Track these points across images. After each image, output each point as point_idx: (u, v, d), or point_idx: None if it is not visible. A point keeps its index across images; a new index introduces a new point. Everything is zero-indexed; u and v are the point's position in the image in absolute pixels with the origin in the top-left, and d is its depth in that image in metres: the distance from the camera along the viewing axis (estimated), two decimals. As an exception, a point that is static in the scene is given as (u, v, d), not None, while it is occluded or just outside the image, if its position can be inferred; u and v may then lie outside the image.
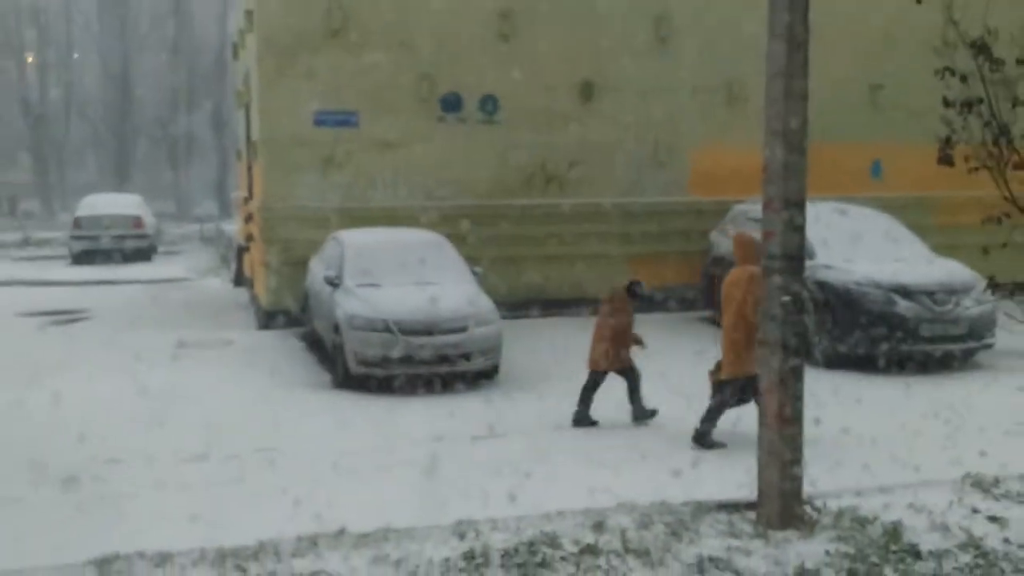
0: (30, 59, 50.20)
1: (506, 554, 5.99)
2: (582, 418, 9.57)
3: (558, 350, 12.53)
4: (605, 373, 9.61)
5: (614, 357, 9.56)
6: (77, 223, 26.50)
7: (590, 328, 9.83)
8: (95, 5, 50.52)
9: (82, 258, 25.61)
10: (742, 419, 8.44)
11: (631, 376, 9.60)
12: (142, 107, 48.68)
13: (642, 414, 9.56)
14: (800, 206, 6.40)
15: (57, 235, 30.84)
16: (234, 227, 21.83)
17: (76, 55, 51.69)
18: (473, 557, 5.96)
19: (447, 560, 5.92)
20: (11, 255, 28.63)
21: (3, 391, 10.78)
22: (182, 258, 26.11)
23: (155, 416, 9.73)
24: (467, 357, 11.10)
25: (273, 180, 14.98)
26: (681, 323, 14.61)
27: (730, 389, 8.63)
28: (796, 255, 6.42)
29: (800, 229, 6.42)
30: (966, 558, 5.94)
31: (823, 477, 7.08)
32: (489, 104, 15.47)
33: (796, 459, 6.42)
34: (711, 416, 8.71)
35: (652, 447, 8.74)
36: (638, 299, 9.82)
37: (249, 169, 17.09)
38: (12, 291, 19.91)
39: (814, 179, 6.54)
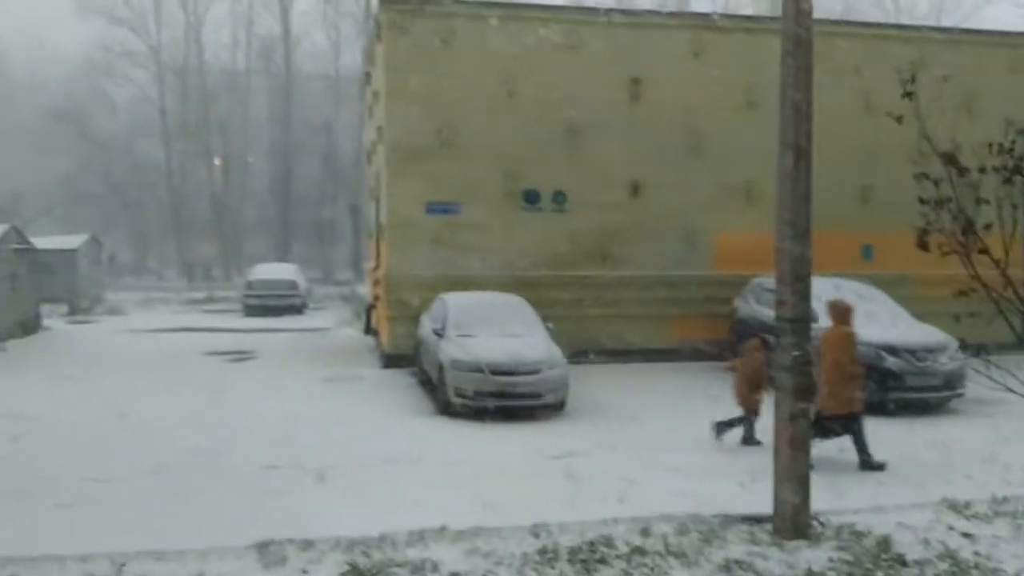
0: (217, 162, 51.94)
1: (572, 551, 5.88)
2: (749, 438, 9.36)
3: (612, 389, 12.41)
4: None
5: (748, 396, 9.36)
6: (249, 285, 27.03)
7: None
8: (266, 120, 52.16)
9: (252, 312, 26.03)
10: (845, 449, 8.37)
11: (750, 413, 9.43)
12: (299, 197, 49.89)
13: (752, 439, 9.35)
14: (806, 280, 6.27)
15: (233, 294, 31.55)
16: (365, 289, 22.10)
17: (251, 159, 53.27)
18: (545, 552, 5.86)
19: (525, 554, 5.83)
20: (199, 308, 29.43)
21: (195, 407, 11.04)
22: (326, 313, 26.47)
23: (304, 430, 9.85)
24: (541, 393, 11.01)
25: (395, 253, 15.17)
26: (711, 371, 14.33)
27: (836, 425, 8.34)
28: (803, 319, 6.28)
29: (806, 298, 6.28)
30: (944, 566, 5.67)
31: (827, 496, 6.84)
32: (560, 197, 15.51)
33: (805, 481, 6.20)
34: (859, 447, 8.39)
35: (721, 461, 8.60)
36: (768, 350, 9.54)
37: (377, 245, 17.33)
38: (201, 335, 20.40)
39: (817, 259, 6.40)
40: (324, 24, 50.83)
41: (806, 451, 6.25)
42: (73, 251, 26.24)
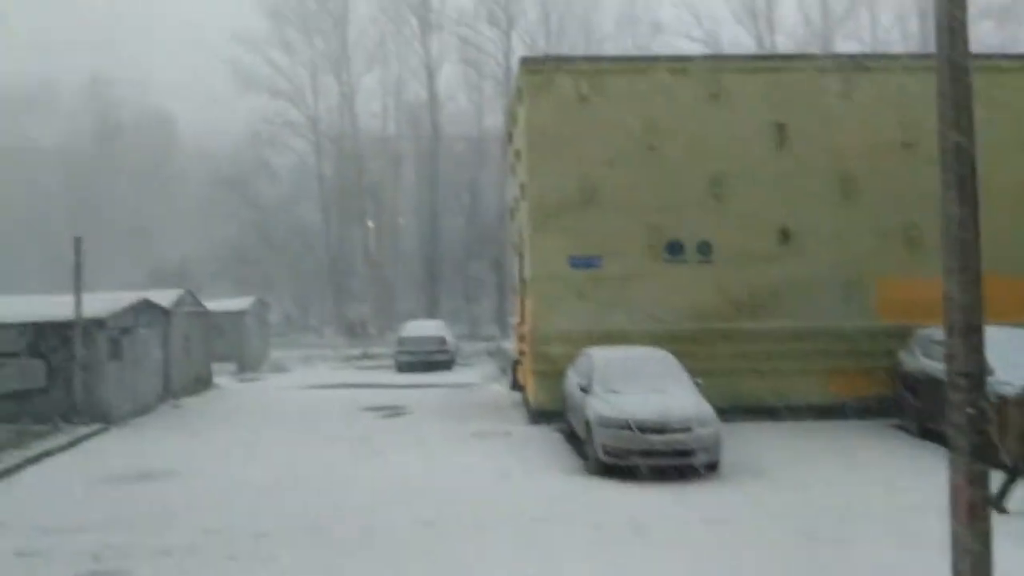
0: (370, 224, 54.38)
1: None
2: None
3: (768, 449, 11.91)
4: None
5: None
6: (400, 342, 27.80)
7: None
8: (415, 182, 54.30)
9: (404, 368, 26.73)
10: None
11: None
12: (446, 255, 51.32)
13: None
14: (978, 331, 5.83)
15: (387, 350, 32.57)
16: (511, 345, 22.34)
17: (402, 220, 55.45)
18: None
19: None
20: (355, 365, 30.61)
21: (352, 462, 11.43)
22: (473, 368, 26.88)
23: (455, 486, 9.99)
24: (692, 452, 10.67)
25: (539, 308, 15.28)
26: (876, 430, 13.53)
27: None
28: (977, 373, 5.82)
29: (980, 350, 5.83)
30: None
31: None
32: (704, 248, 15.23)
33: (986, 552, 5.68)
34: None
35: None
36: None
37: (522, 300, 17.53)
38: (357, 391, 21.16)
39: (988, 307, 5.95)
40: (467, 87, 52.76)
41: (986, 517, 5.73)
42: (242, 312, 28.02)
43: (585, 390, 11.91)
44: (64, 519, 8.88)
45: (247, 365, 27.62)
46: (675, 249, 15.23)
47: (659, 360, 12.53)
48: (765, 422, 13.93)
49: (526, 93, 15.70)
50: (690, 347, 13.84)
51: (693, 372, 12.26)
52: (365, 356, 33.34)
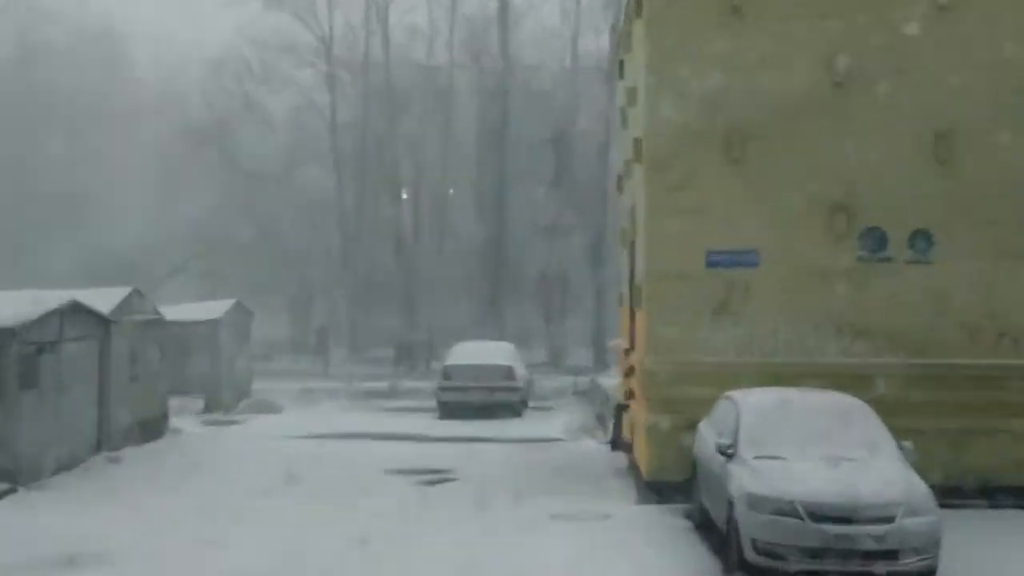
0: (404, 195, 54.17)
1: None
2: None
3: (1018, 551, 11.53)
4: None
5: None
6: (446, 373, 27.78)
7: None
8: (473, 135, 54.23)
9: (449, 411, 26.75)
10: None
11: None
12: (518, 245, 50.93)
13: None
14: None
15: (425, 385, 32.23)
16: (612, 381, 22.17)
17: (451, 190, 55.31)
18: None
19: None
20: (377, 405, 30.58)
21: (370, 559, 11.39)
22: (554, 415, 26.72)
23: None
24: (895, 555, 10.35)
25: (658, 328, 15.10)
26: None
27: None
28: None
29: None
30: None
31: None
32: (921, 241, 14.87)
33: None
34: None
35: None
36: None
37: (631, 315, 17.35)
38: (379, 445, 21.25)
39: None
40: (557, -4, 52.42)
41: None
42: (214, 323, 28.40)
43: (727, 454, 11.74)
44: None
45: (219, 401, 28.00)
46: (875, 241, 14.95)
47: (845, 413, 12.30)
48: (1008, 510, 13.63)
49: (648, 2, 15.53)
50: (893, 392, 13.61)
51: (898, 432, 11.92)
52: (393, 393, 33.53)
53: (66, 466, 17.17)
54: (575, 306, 48.70)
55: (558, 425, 24.14)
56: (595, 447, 20.40)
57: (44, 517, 13.91)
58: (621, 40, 19.98)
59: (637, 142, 16.33)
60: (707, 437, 12.99)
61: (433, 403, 28.01)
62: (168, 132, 55.06)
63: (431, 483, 16.80)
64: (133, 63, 62.02)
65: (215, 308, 29.77)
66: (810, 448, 11.46)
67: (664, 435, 14.69)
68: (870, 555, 10.35)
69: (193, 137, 51.89)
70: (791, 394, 12.94)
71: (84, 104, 57.25)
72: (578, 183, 49.47)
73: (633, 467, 16.64)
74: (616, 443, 18.99)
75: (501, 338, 36.37)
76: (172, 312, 24.77)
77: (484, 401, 26.60)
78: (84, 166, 54.90)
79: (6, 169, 50.38)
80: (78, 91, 57.66)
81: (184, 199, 53.46)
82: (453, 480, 17.02)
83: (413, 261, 51.97)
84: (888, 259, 14.88)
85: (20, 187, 48.13)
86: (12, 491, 15.22)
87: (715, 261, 15.01)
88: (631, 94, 17.45)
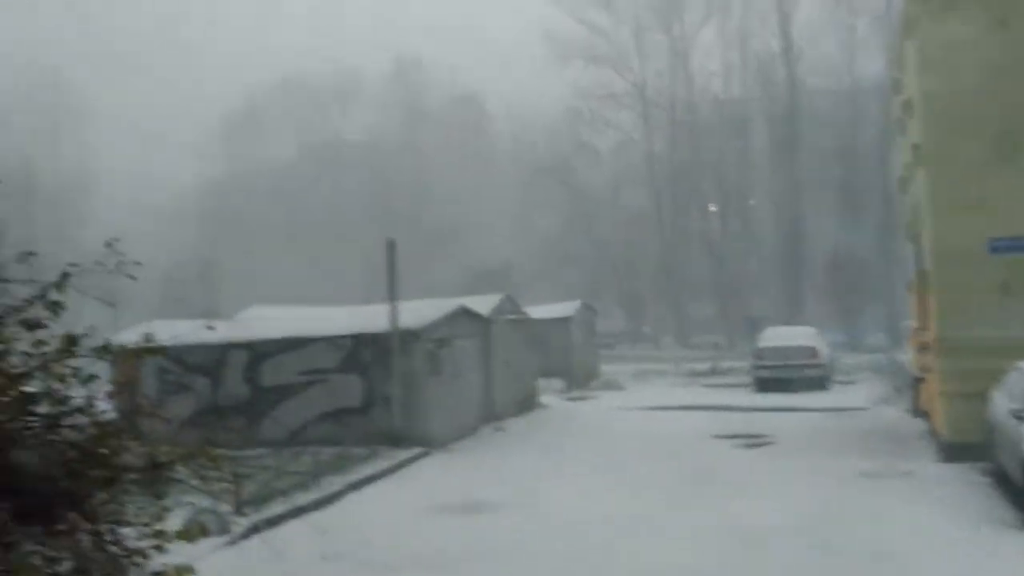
0: (712, 207, 53.98)
1: None
2: None
3: None
4: None
5: None
6: (758, 354, 27.30)
7: None
8: (767, 152, 53.06)
9: (763, 386, 26.29)
10: None
11: None
12: (812, 243, 49.51)
13: None
14: None
15: (739, 364, 32.19)
16: (906, 357, 20.96)
17: (752, 200, 54.37)
18: None
19: None
20: (701, 382, 30.60)
21: (711, 502, 11.36)
22: (855, 388, 25.61)
23: (844, 542, 9.50)
24: None
25: (948, 309, 14.14)
26: None
27: None
28: None
29: None
30: None
31: None
32: None
33: None
34: None
35: None
36: None
37: (921, 299, 16.35)
38: (705, 414, 21.11)
39: None
40: (833, 28, 50.49)
41: None
42: (567, 320, 29.17)
43: (1020, 417, 10.77)
44: (390, 554, 9.72)
45: (575, 381, 28.69)
46: None
47: None
48: None
49: (919, 22, 14.77)
50: None
51: None
52: (713, 372, 33.21)
53: (463, 434, 18.05)
54: (867, 294, 46.48)
55: (860, 396, 23.06)
56: (895, 415, 19.33)
57: (451, 473, 14.73)
58: (895, 60, 18.90)
59: (916, 147, 15.41)
60: (1000, 403, 12.03)
61: (749, 379, 27.59)
62: (521, 170, 57.15)
63: (752, 445, 16.53)
64: (492, 117, 64.74)
65: (567, 308, 30.54)
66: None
67: (958, 402, 13.74)
68: None
69: (541, 172, 53.56)
70: (1078, 362, 11.79)
71: (458, 153, 60.26)
72: (862, 187, 47.43)
73: (931, 432, 15.66)
74: (915, 411, 17.95)
75: (803, 323, 35.37)
76: (534, 312, 25.59)
77: (793, 377, 25.91)
78: (459, 201, 57.86)
79: (405, 208, 53.82)
80: (453, 143, 60.74)
81: (536, 222, 55.31)
82: (771, 443, 16.65)
83: (723, 261, 51.54)
84: None
85: (412, 220, 51.18)
86: (426, 454, 16.17)
87: (997, 247, 13.90)
88: (907, 106, 16.49)
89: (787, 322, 37.97)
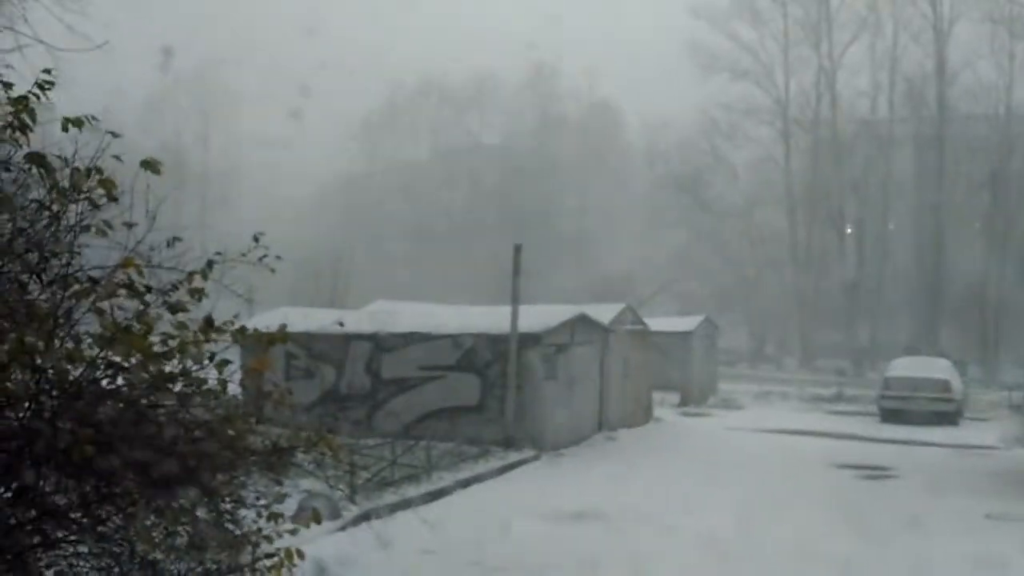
0: (849, 230, 52.64)
1: None
2: None
3: None
4: None
5: None
6: (887, 383, 26.47)
7: None
8: (911, 176, 51.39)
9: (890, 416, 25.43)
10: None
11: None
12: (953, 274, 47.70)
13: None
14: None
15: (867, 393, 31.25)
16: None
17: (891, 225, 52.76)
18: None
19: None
20: (824, 408, 29.81)
21: (826, 532, 11.10)
22: (988, 425, 24.57)
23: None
24: None
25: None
26: None
27: None
28: None
29: None
30: None
31: None
32: None
33: None
34: None
35: None
36: None
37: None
38: (826, 441, 20.61)
39: None
40: (991, 51, 48.50)
41: None
42: (688, 334, 28.86)
43: None
44: (489, 555, 9.80)
45: (691, 397, 28.36)
46: None
47: None
48: None
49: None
50: None
51: None
52: (839, 398, 32.37)
53: (575, 441, 18.08)
54: (1008, 328, 44.50)
55: (993, 435, 22.10)
56: (1030, 457, 18.52)
57: (561, 479, 14.79)
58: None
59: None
60: None
61: (874, 409, 26.79)
62: (652, 182, 56.84)
63: (873, 477, 16.06)
64: (625, 128, 64.56)
65: (688, 322, 30.22)
66: None
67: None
68: None
69: (672, 185, 53.15)
70: None
71: (589, 161, 60.33)
72: (1009, 217, 45.51)
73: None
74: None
75: (935, 354, 34.15)
76: (655, 324, 25.40)
77: (922, 410, 25.02)
78: (588, 210, 57.93)
79: (534, 213, 54.18)
80: (585, 151, 60.85)
81: (664, 235, 54.90)
82: (894, 476, 16.15)
83: (856, 285, 50.23)
84: None
85: (540, 225, 51.45)
86: (536, 457, 16.27)
87: None
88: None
89: (924, 352, 36.68)
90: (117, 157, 3.99)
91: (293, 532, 4.68)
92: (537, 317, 17.68)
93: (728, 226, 53.49)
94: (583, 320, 19.19)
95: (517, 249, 17.88)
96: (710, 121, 53.81)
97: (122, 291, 4.04)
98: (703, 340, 30.44)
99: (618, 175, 62.05)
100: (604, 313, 20.79)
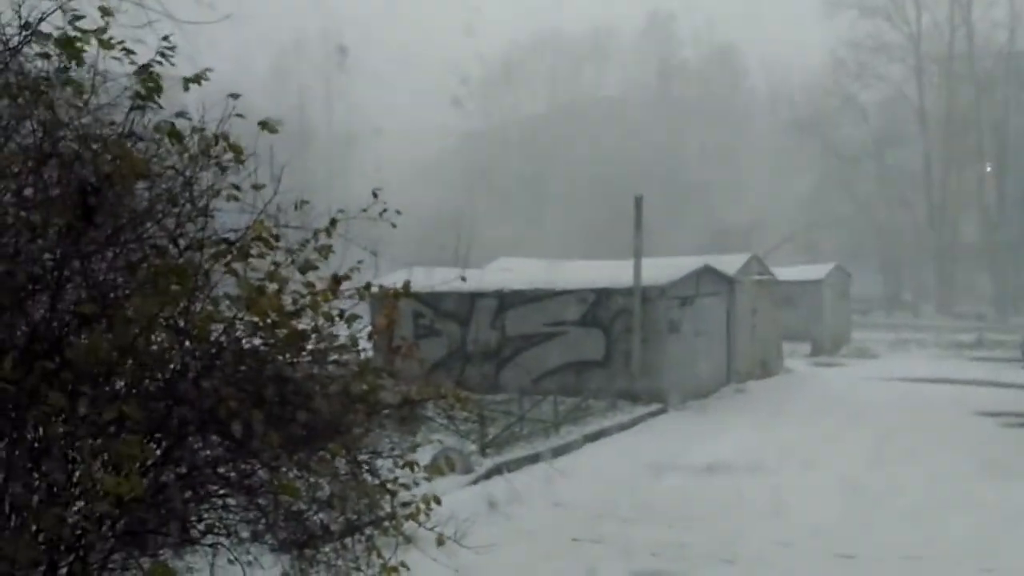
0: (988, 168, 50.31)
1: None
2: None
3: None
4: None
5: None
6: (1032, 328, 25.54)
7: None
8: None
9: (1038, 362, 24.52)
10: None
11: None
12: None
13: None
14: None
15: (1011, 338, 30.10)
16: None
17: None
18: None
19: None
20: (965, 355, 28.78)
21: (964, 483, 10.81)
22: None
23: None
24: None
25: None
26: None
27: None
28: None
29: None
30: None
31: None
32: None
33: None
34: None
35: None
36: None
37: None
38: (966, 389, 19.90)
39: None
40: None
41: None
42: (818, 283, 28.22)
43: None
44: (621, 507, 9.88)
45: (823, 347, 27.77)
46: None
47: None
48: None
49: None
50: None
51: None
52: (979, 344, 31.19)
53: (701, 394, 17.94)
54: None
55: None
56: None
57: (688, 432, 14.70)
58: None
59: None
60: None
61: (1018, 354, 25.78)
62: (776, 126, 55.36)
63: (1018, 424, 15.46)
64: (748, 71, 62.98)
65: (818, 270, 29.59)
66: None
67: None
68: None
69: (798, 130, 51.63)
70: None
71: (711, 109, 59.11)
72: None
73: None
74: None
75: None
76: (783, 273, 24.92)
77: (1071, 354, 23.98)
78: (711, 159, 56.85)
79: (655, 164, 53.51)
80: (706, 98, 59.62)
81: (790, 181, 53.55)
82: (1041, 423, 15.55)
83: (997, 227, 48.03)
84: None
85: (664, 178, 50.83)
86: (663, 411, 16.24)
87: None
88: None
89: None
90: (240, 115, 4.10)
91: (429, 480, 4.81)
92: (661, 270, 17.57)
93: (858, 170, 51.74)
94: (708, 272, 18.97)
95: (638, 202, 17.74)
96: (837, 61, 52.07)
97: (255, 252, 4.19)
98: (834, 288, 29.71)
99: (741, 122, 60.60)
100: (730, 264, 20.49)
